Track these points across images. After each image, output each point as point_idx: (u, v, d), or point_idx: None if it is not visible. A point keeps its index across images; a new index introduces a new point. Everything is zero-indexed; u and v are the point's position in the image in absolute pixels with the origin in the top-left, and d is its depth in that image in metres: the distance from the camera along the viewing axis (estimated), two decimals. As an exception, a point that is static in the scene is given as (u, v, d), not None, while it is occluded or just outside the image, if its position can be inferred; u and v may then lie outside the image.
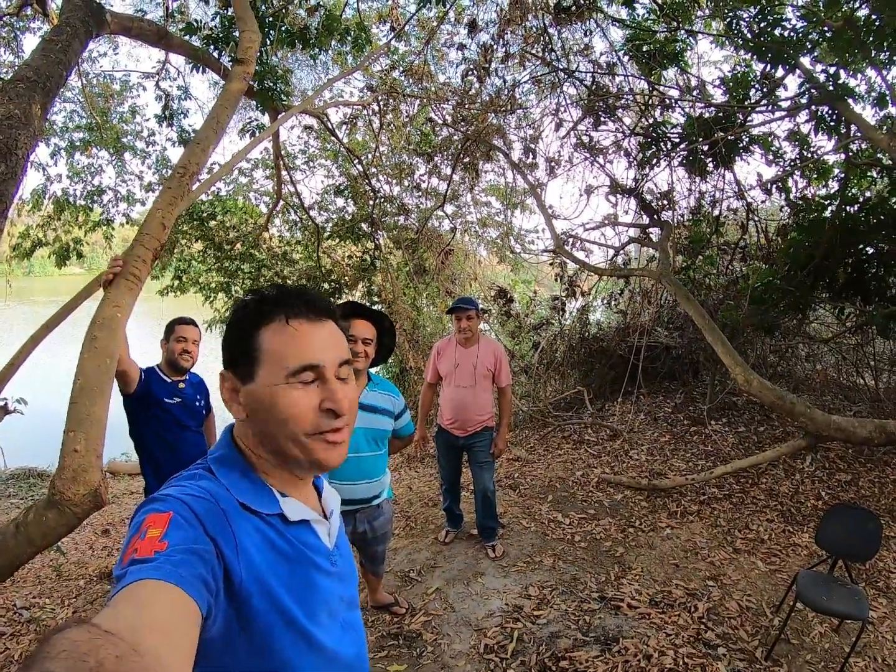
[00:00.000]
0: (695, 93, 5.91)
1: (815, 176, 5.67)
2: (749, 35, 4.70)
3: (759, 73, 5.17)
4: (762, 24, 4.52)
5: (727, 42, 5.50)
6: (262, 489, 0.86)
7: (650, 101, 6.10)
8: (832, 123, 4.68)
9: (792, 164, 5.64)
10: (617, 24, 5.94)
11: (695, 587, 3.27)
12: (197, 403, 3.02)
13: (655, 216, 6.61)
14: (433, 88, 7.06)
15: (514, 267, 10.46)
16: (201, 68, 5.11)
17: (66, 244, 7.65)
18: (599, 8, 5.62)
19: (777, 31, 4.48)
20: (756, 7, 4.50)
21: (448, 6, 5.78)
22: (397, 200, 8.90)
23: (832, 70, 4.44)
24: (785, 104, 5.06)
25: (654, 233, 6.67)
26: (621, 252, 7.20)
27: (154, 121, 6.96)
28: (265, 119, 6.29)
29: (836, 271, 4.96)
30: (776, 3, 4.48)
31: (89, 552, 4.60)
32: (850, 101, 4.49)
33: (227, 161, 3.70)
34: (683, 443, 5.38)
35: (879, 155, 4.84)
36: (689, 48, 5.73)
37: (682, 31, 5.42)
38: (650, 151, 6.13)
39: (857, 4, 4.16)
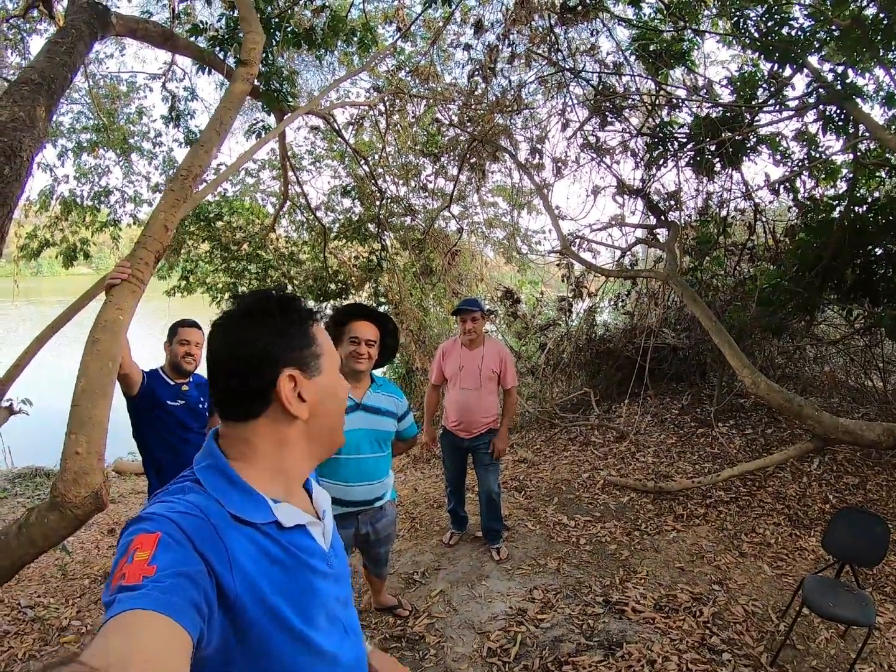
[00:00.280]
0: (702, 92, 5.85)
1: (824, 176, 5.62)
2: (756, 34, 4.66)
3: (766, 73, 5.12)
4: (769, 23, 4.47)
5: (734, 41, 5.47)
6: (254, 498, 0.84)
7: (657, 101, 6.05)
8: (840, 123, 4.63)
9: (800, 164, 5.58)
10: (623, 24, 5.91)
11: (700, 591, 3.24)
12: (200, 405, 3.02)
13: (662, 217, 6.57)
14: (439, 89, 7.04)
15: (520, 268, 10.44)
16: (207, 69, 5.12)
17: (73, 244, 7.73)
18: (606, 7, 5.59)
19: (784, 31, 4.43)
20: (763, 6, 4.46)
21: (454, 6, 5.78)
22: (404, 201, 8.90)
23: (840, 69, 4.39)
24: (793, 104, 5.01)
25: (662, 234, 6.62)
26: (628, 253, 7.16)
27: (161, 122, 6.99)
28: (271, 120, 6.29)
29: (844, 272, 4.91)
30: (783, 2, 4.45)
31: (95, 551, 4.63)
32: (858, 100, 4.44)
33: (234, 162, 3.69)
34: (690, 445, 5.34)
35: (888, 155, 4.79)
36: (695, 48, 5.69)
37: (689, 31, 5.39)
38: (657, 152, 6.10)
39: (865, 3, 4.12)
